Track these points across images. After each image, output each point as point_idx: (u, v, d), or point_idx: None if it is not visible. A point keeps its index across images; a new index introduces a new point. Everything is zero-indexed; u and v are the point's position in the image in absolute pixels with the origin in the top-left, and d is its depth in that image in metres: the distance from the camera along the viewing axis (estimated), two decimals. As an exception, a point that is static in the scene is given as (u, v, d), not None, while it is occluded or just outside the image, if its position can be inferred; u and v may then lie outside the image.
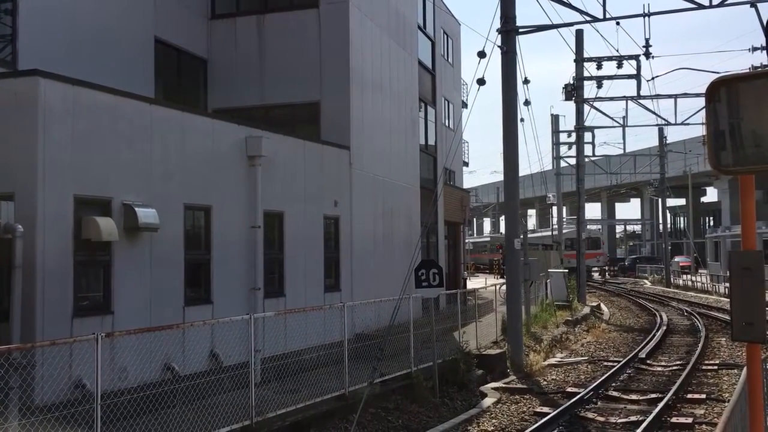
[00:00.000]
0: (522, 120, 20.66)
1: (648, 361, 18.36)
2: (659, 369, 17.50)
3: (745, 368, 4.48)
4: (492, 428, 12.14)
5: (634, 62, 32.39)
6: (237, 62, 20.27)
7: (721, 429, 5.44)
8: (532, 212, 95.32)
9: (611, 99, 35.60)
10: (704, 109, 3.77)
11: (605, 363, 18.33)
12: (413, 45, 25.34)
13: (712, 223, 69.01)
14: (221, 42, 20.49)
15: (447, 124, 31.29)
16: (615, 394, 14.42)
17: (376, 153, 21.09)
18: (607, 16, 20.05)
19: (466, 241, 42.05)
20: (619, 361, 17.85)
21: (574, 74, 35.42)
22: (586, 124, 37.93)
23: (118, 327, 11.14)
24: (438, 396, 14.42)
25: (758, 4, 18.76)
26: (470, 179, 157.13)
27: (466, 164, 42.37)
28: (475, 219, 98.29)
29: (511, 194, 18.72)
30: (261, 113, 19.70)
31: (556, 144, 47.28)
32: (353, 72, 19.63)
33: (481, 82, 16.57)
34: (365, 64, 20.63)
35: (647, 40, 25.97)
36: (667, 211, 59.55)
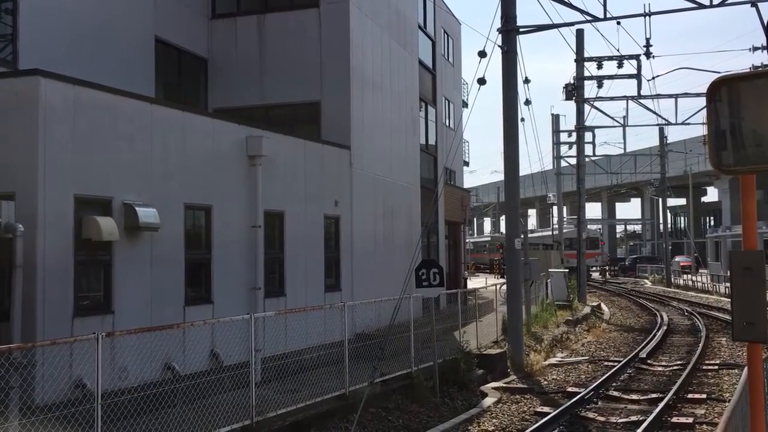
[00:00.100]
0: (523, 120, 20.72)
1: (648, 361, 18.36)
2: (660, 369, 17.50)
3: (745, 368, 4.47)
4: (492, 428, 12.13)
5: (634, 62, 32.39)
6: (237, 62, 20.28)
7: (722, 429, 5.44)
8: (532, 212, 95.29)
9: (612, 99, 35.60)
10: (705, 109, 3.77)
11: (606, 363, 18.33)
12: (414, 44, 25.33)
13: (712, 223, 68.97)
14: (222, 42, 20.49)
15: (447, 124, 31.28)
16: (615, 393, 14.42)
17: (377, 153, 21.09)
18: (608, 15, 20.06)
19: (467, 240, 42.05)
20: (619, 361, 17.85)
21: (575, 74, 35.41)
22: (587, 123, 37.93)
23: (119, 326, 11.14)
24: (438, 396, 14.42)
25: (759, 4, 18.76)
26: (471, 179, 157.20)
27: (467, 164, 42.40)
28: (475, 219, 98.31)
29: (511, 194, 18.72)
30: (261, 113, 19.70)
31: (557, 144, 47.28)
32: (354, 71, 19.63)
33: (481, 81, 16.58)
34: (366, 64, 20.63)
35: (648, 40, 25.95)
36: (668, 210, 59.54)
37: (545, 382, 16.07)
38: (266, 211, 15.07)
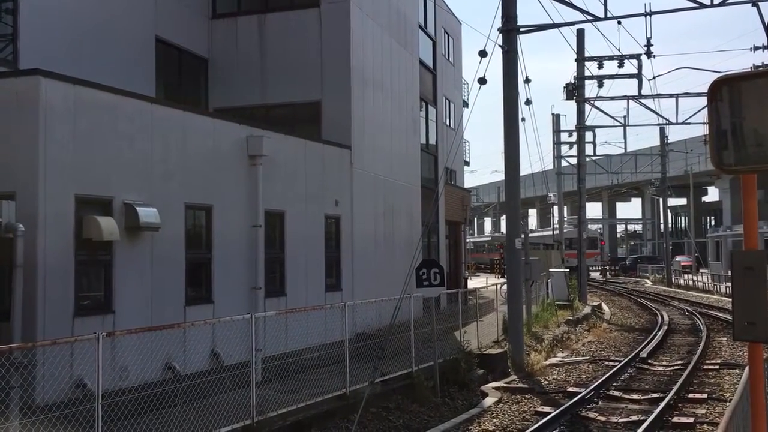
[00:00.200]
0: (523, 119, 20.69)
1: (649, 361, 18.35)
2: (660, 369, 17.49)
3: (746, 368, 4.47)
4: (493, 428, 12.13)
5: (635, 61, 32.39)
6: (238, 61, 20.28)
7: (723, 429, 5.44)
8: (533, 212, 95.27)
9: (612, 98, 35.58)
10: (706, 109, 3.76)
11: (606, 362, 18.32)
12: (414, 44, 25.33)
13: (713, 223, 68.99)
14: (222, 41, 20.49)
15: (448, 124, 31.28)
16: (616, 393, 14.41)
17: (377, 152, 21.09)
18: (609, 15, 20.05)
19: (467, 240, 42.04)
20: (620, 361, 17.84)
21: (575, 73, 35.40)
22: (588, 123, 37.92)
23: (119, 326, 11.14)
24: (439, 395, 14.41)
25: (759, 4, 18.77)
26: (471, 179, 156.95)
27: (467, 164, 42.39)
28: (476, 218, 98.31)
29: (512, 193, 18.71)
30: (262, 113, 19.70)
31: (557, 143, 47.25)
32: (354, 71, 19.63)
33: (482, 81, 16.56)
34: (366, 64, 20.63)
35: (648, 40, 25.96)
36: (669, 210, 59.54)
37: (546, 382, 16.06)
38: (267, 210, 15.07)
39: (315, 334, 13.92)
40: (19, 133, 10.67)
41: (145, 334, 10.61)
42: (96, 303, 11.46)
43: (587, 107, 36.60)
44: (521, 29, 18.63)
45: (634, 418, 12.29)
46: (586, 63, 35.07)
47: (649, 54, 26.48)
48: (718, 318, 27.97)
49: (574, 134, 40.08)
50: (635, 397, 14.14)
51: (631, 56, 32.32)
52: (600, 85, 35.21)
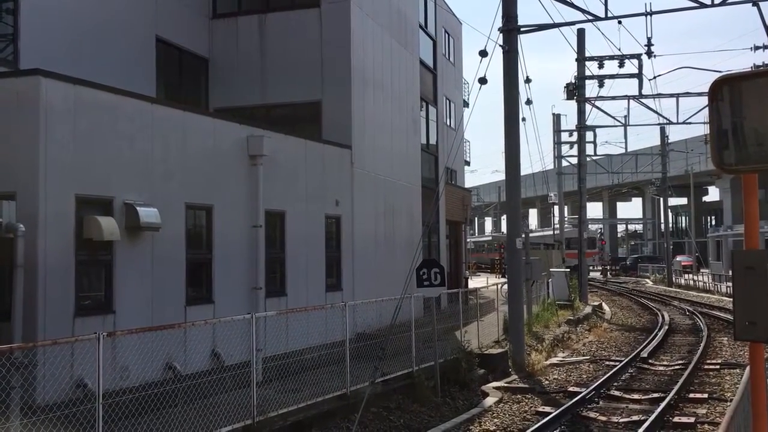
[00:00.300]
0: (524, 119, 20.69)
1: (650, 361, 18.34)
2: (661, 368, 17.48)
3: (747, 368, 4.46)
4: (494, 428, 12.12)
5: (635, 61, 32.35)
6: (238, 61, 20.28)
7: (724, 429, 5.44)
8: (533, 212, 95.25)
9: (613, 98, 35.56)
10: (706, 108, 3.76)
11: (607, 362, 18.31)
12: (415, 44, 25.33)
13: (713, 223, 68.97)
14: (222, 41, 20.49)
15: (448, 124, 31.27)
16: (617, 393, 14.41)
17: (378, 152, 21.08)
18: (609, 15, 20.04)
19: (468, 240, 42.04)
20: (620, 361, 17.83)
21: (576, 73, 35.40)
22: (588, 123, 37.91)
23: (120, 326, 11.14)
24: (439, 395, 14.41)
25: (760, 3, 18.76)
26: (471, 178, 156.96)
27: (468, 163, 42.37)
28: (476, 218, 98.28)
29: (512, 193, 18.70)
30: (262, 112, 19.70)
31: (558, 143, 47.24)
32: (354, 71, 19.62)
33: (482, 81, 16.55)
34: (366, 63, 20.63)
35: (649, 39, 25.95)
36: (669, 210, 59.52)
37: (546, 382, 16.06)
38: (267, 210, 15.07)
39: (315, 334, 13.92)
40: (19, 133, 10.68)
41: (146, 334, 10.61)
42: (96, 303, 11.46)
43: (588, 107, 36.62)
44: (522, 29, 18.63)
45: (635, 417, 12.28)
46: (587, 63, 35.07)
47: (649, 54, 26.49)
48: (718, 318, 27.96)
49: (575, 134, 40.06)
50: (636, 396, 14.14)
51: (632, 56, 32.31)
52: (600, 85, 35.23)
